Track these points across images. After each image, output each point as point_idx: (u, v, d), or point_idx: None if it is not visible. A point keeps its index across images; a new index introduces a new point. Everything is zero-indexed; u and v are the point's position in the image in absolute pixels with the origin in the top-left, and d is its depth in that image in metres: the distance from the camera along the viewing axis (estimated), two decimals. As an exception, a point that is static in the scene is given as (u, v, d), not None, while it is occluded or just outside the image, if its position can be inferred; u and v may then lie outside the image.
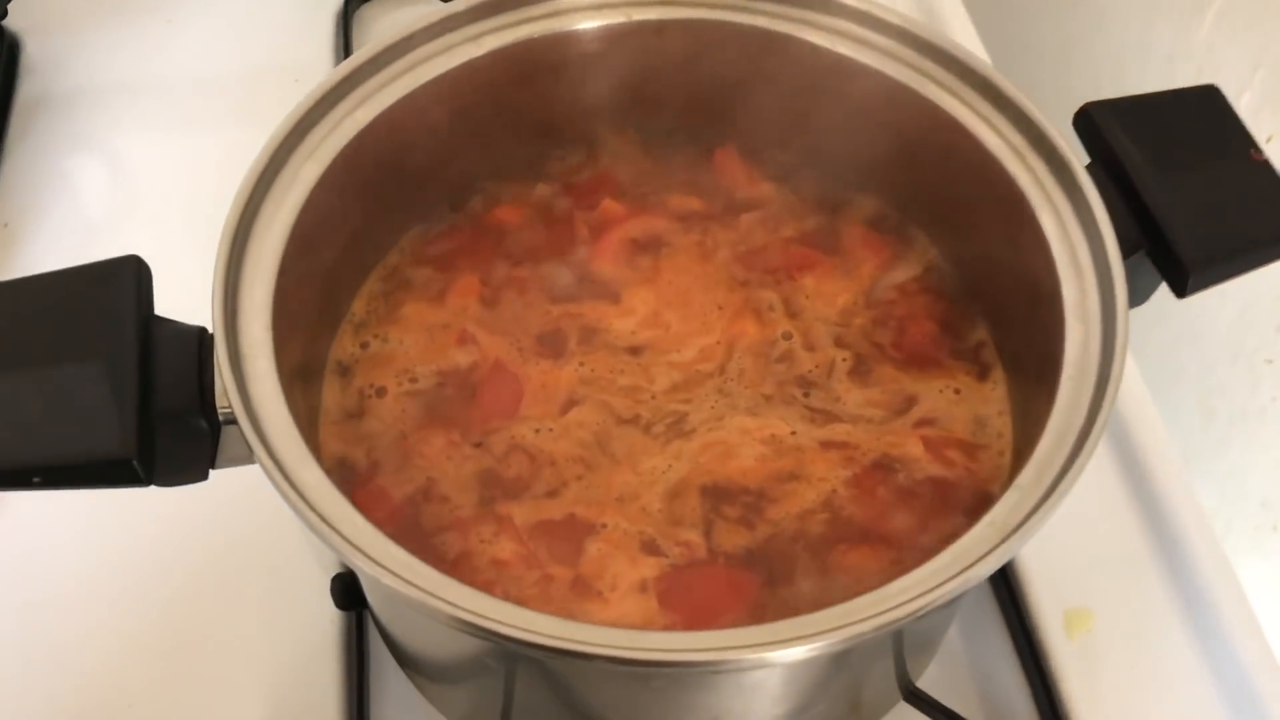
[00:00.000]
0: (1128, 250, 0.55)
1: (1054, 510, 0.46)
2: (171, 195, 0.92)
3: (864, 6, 0.62)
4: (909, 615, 0.44)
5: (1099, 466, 0.77)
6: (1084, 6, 1.19)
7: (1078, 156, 0.58)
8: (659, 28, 0.64)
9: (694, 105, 0.68)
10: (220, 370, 0.49)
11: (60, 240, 0.90)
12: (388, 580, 0.45)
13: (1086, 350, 0.52)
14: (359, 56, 0.59)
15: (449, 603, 0.44)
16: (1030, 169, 0.58)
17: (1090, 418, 0.49)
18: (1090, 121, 0.59)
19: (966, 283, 0.65)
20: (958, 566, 0.45)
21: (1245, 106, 0.99)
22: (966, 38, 1.00)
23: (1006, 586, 0.71)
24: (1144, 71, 1.09)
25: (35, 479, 0.48)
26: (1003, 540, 0.46)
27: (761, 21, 0.63)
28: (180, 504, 0.61)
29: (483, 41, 0.62)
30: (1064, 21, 1.24)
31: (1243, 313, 1.03)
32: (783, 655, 0.44)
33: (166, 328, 0.52)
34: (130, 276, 0.52)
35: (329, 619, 0.70)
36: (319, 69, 0.98)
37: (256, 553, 0.72)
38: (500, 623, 0.44)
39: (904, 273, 0.66)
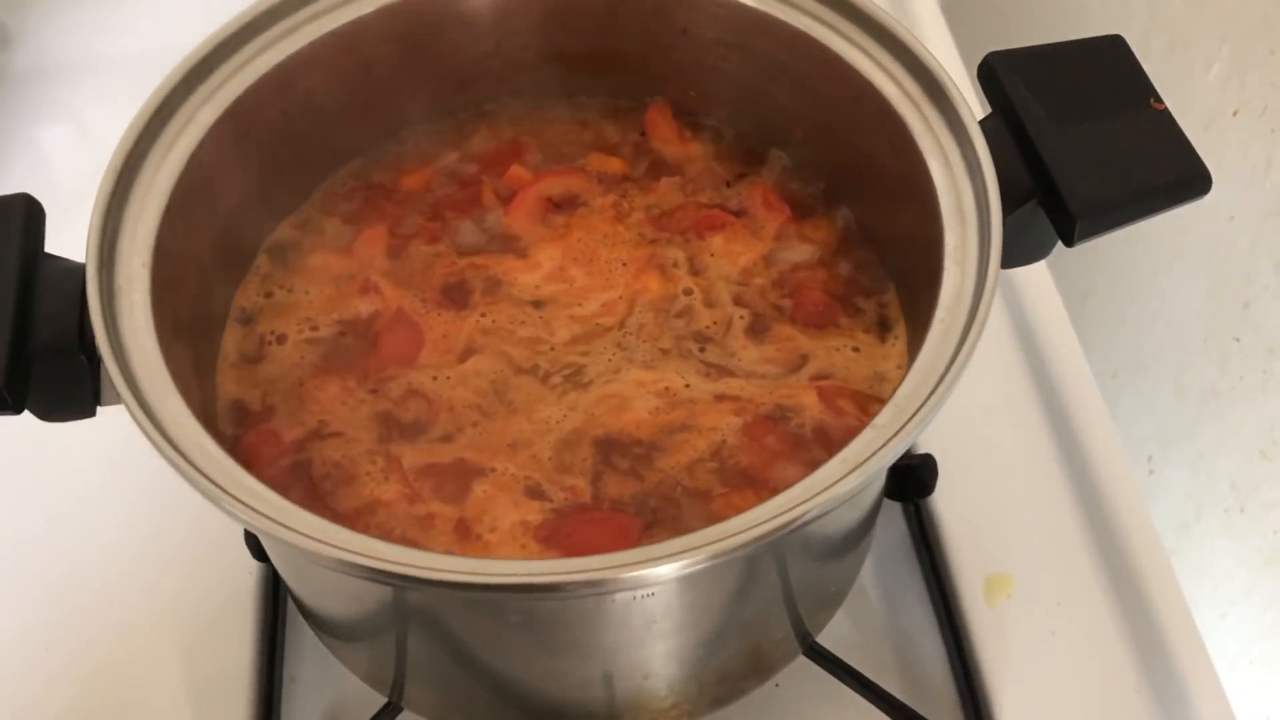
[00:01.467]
0: (1019, 200, 0.55)
1: (899, 447, 0.46)
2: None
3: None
4: (755, 539, 0.44)
5: (1030, 430, 0.76)
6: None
7: (981, 107, 0.58)
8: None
9: (613, 60, 0.68)
10: (90, 304, 0.50)
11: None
12: (240, 512, 0.45)
13: (960, 295, 0.51)
14: (259, 5, 0.60)
15: (294, 529, 0.44)
16: (924, 118, 0.57)
17: (952, 359, 0.48)
18: (991, 72, 0.58)
19: (873, 242, 0.64)
20: (807, 494, 0.45)
21: (1214, 78, 0.98)
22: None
23: (928, 549, 0.71)
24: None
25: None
26: (849, 472, 0.45)
27: (670, -26, 0.63)
28: (108, 444, 0.62)
29: (387, -8, 0.62)
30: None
31: (1213, 289, 1.01)
32: (652, 572, 0.44)
33: (54, 265, 0.53)
34: (19, 214, 0.53)
35: (247, 570, 0.70)
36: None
37: (181, 497, 0.72)
38: (347, 550, 0.44)
39: (809, 231, 0.65)
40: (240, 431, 0.59)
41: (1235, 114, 0.96)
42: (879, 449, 0.46)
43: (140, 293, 0.52)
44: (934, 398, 0.47)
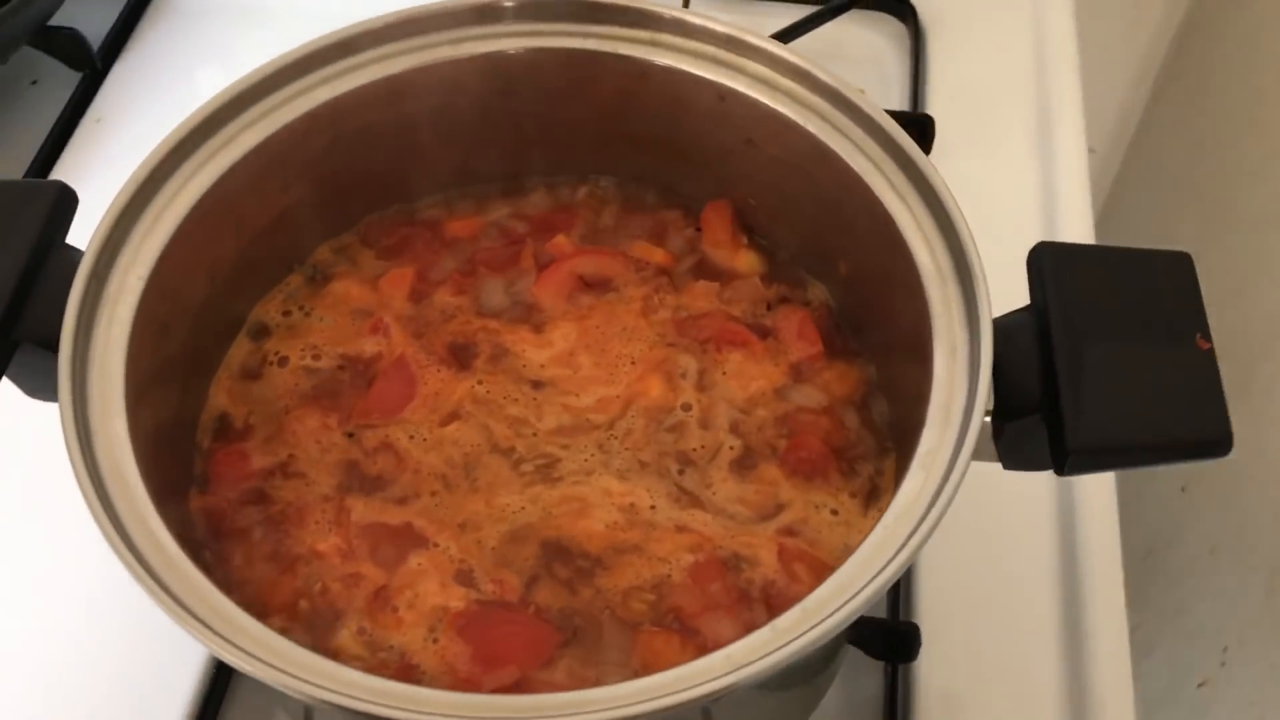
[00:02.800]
0: (1022, 410, 0.51)
1: (783, 656, 0.43)
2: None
3: (852, 97, 0.59)
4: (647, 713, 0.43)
5: (1037, 614, 0.71)
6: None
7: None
8: (642, 70, 0.63)
9: (680, 151, 0.67)
10: (68, 308, 0.51)
11: (148, 141, 0.95)
12: (141, 579, 0.45)
13: (914, 504, 0.48)
14: (337, 34, 0.60)
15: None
16: (945, 298, 0.54)
17: (886, 561, 0.46)
18: (1038, 263, 0.54)
19: (892, 407, 0.61)
20: (720, 670, 0.44)
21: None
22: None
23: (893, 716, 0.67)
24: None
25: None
26: (726, 673, 0.43)
27: (744, 87, 0.62)
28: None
29: (483, 44, 0.63)
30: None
31: None
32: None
33: (68, 256, 0.55)
34: (46, 201, 0.55)
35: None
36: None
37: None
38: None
39: (831, 375, 0.63)
40: (215, 446, 0.60)
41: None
42: (767, 654, 0.44)
43: (128, 306, 0.53)
44: (836, 616, 0.44)
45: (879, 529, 0.48)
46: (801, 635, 0.44)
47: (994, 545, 0.72)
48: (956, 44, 0.98)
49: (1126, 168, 1.44)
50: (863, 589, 0.45)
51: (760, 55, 0.61)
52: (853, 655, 0.67)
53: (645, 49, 0.63)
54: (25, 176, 0.90)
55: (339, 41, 0.61)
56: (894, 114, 0.59)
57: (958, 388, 0.51)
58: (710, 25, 0.62)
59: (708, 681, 0.44)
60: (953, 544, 0.71)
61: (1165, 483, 1.15)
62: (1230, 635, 1.05)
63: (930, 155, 0.87)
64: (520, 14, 0.63)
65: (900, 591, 0.70)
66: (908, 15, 0.99)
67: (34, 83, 0.99)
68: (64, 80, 0.97)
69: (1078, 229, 0.86)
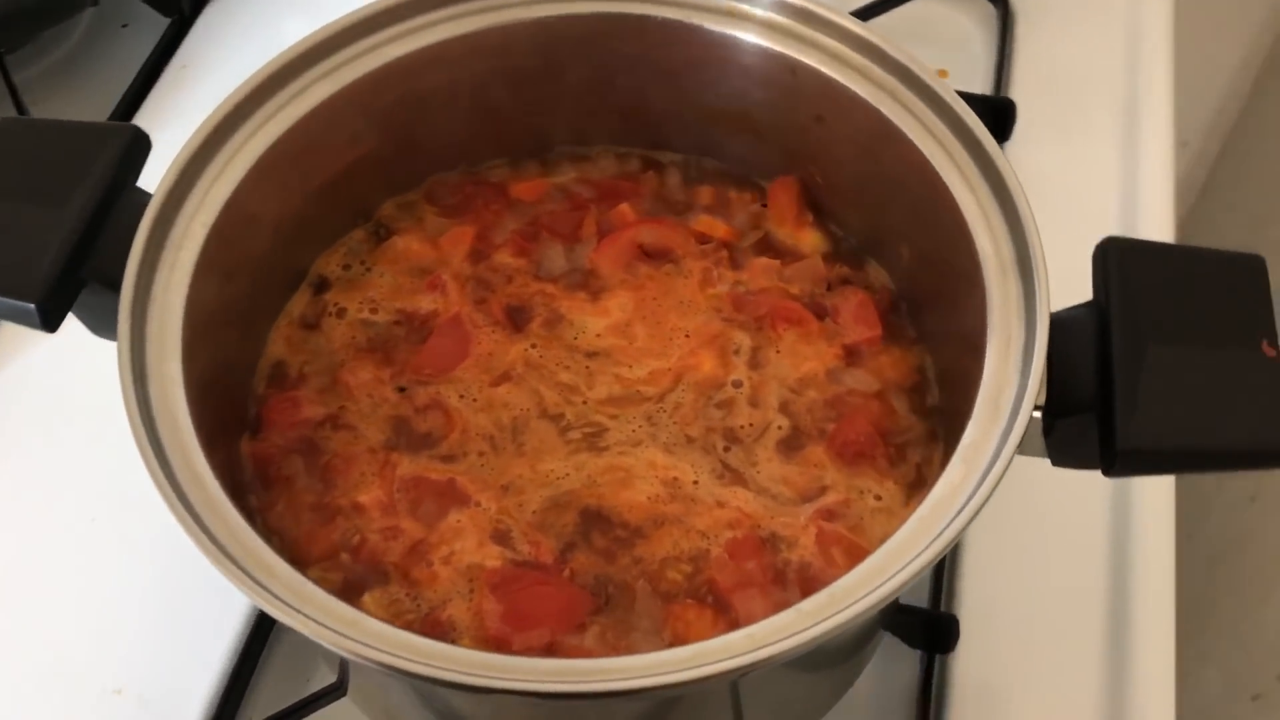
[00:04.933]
0: (1076, 407, 0.50)
1: (805, 639, 0.43)
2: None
3: (934, 85, 0.58)
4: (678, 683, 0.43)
5: (1081, 613, 0.70)
6: None
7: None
8: (725, 42, 0.62)
9: (752, 126, 0.66)
10: (133, 251, 0.52)
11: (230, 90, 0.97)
12: (183, 520, 0.46)
13: (952, 499, 0.47)
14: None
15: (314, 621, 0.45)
16: (1005, 290, 0.53)
17: (919, 551, 0.45)
18: (1103, 258, 0.53)
19: (944, 395, 0.60)
20: (751, 645, 0.44)
21: None
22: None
23: (926, 705, 0.67)
24: None
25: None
26: (747, 652, 0.43)
27: (819, 62, 0.61)
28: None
29: (535, 9, 0.62)
30: None
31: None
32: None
33: (137, 198, 0.56)
34: (119, 144, 0.56)
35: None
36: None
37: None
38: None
39: (887, 360, 0.62)
40: (270, 392, 0.61)
41: None
42: (791, 635, 0.44)
43: (190, 250, 0.54)
44: (863, 602, 0.44)
45: (914, 519, 0.47)
46: (827, 619, 0.44)
47: (1043, 542, 0.71)
48: (1046, 27, 0.96)
49: (1221, 162, 1.40)
50: (892, 577, 0.45)
51: (833, 30, 0.60)
52: (889, 642, 0.66)
53: (719, 19, 0.62)
54: (109, 119, 0.91)
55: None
56: (974, 97, 0.58)
57: (1008, 381, 0.50)
58: (785, -2, 0.61)
59: (728, 659, 0.44)
60: (1000, 537, 0.70)
61: (1234, 491, 1.13)
62: (1291, 650, 1.03)
63: (1010, 140, 0.86)
64: (598, -21, 0.63)
65: (942, 582, 0.69)
66: (997, -4, 0.97)
67: (125, 26, 1.01)
68: (153, 25, 0.99)
69: (1158, 225, 0.84)
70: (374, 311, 0.64)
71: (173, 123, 0.85)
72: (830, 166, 0.65)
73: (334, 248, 0.66)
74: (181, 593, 0.69)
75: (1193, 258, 0.54)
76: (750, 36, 0.62)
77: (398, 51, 0.61)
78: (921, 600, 0.68)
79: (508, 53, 0.63)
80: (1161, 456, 0.49)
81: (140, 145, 0.57)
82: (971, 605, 0.68)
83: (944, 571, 0.69)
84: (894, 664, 0.67)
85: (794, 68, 0.61)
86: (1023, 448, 0.49)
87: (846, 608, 0.44)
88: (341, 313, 0.64)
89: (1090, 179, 0.87)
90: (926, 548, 0.46)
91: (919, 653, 0.67)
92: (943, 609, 0.68)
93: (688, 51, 0.63)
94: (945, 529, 0.46)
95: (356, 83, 0.60)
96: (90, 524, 0.73)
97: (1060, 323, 0.51)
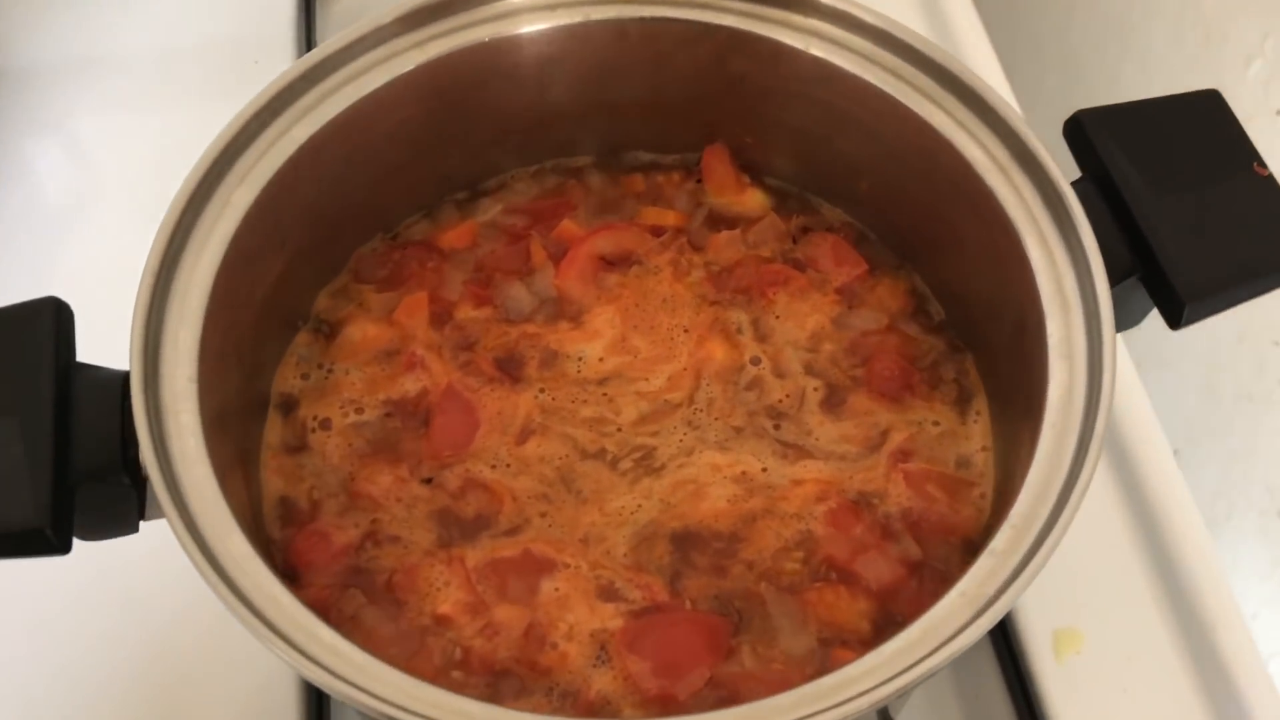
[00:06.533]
0: (1118, 276, 0.52)
1: (1029, 582, 0.43)
2: (131, 177, 0.88)
3: (843, 6, 0.57)
4: (876, 701, 0.41)
5: (1099, 482, 0.73)
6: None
7: (1066, 172, 0.54)
8: (620, 29, 0.60)
9: (664, 108, 0.64)
10: (139, 430, 0.46)
11: (17, 228, 0.86)
12: (308, 670, 0.41)
13: (1071, 395, 0.48)
14: (292, 70, 0.55)
15: (373, 695, 0.41)
16: (1015, 187, 0.53)
17: (1071, 477, 0.45)
18: (1081, 131, 0.55)
19: (946, 307, 0.61)
20: (929, 645, 0.42)
21: (1255, 76, 0.94)
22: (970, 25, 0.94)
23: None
24: (1149, 35, 1.04)
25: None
26: (976, 616, 0.43)
27: (729, 20, 0.59)
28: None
29: (428, 47, 0.58)
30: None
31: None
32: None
33: (88, 376, 0.49)
34: (48, 321, 0.49)
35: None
36: (280, 48, 0.94)
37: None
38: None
39: (881, 291, 0.62)
40: (289, 533, 0.55)
41: (1279, 113, 0.93)
42: (1005, 584, 0.43)
43: (189, 413, 0.48)
44: (1059, 525, 0.44)
45: (1046, 430, 0.48)
46: (1029, 551, 0.44)
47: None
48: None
49: None
50: (1065, 497, 0.45)
51: (735, -12, 0.59)
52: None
53: (620, 8, 0.59)
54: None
55: (304, 73, 0.55)
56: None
57: (1064, 272, 0.51)
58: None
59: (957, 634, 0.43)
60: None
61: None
62: None
63: None
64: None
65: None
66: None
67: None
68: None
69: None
70: (359, 411, 0.58)
71: None
72: (759, 124, 0.63)
73: (284, 361, 0.60)
74: None
75: (1155, 108, 0.56)
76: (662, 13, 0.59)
77: (301, 135, 0.55)
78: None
79: (399, 105, 0.59)
80: (1221, 296, 0.51)
81: (67, 316, 0.50)
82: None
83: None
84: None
85: (711, 31, 0.59)
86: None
87: (1042, 535, 0.44)
88: (325, 424, 0.58)
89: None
90: (1082, 459, 0.46)
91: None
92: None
93: (603, 56, 0.60)
94: (1089, 439, 0.46)
95: (269, 185, 0.54)
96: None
97: (1075, 199, 0.52)
